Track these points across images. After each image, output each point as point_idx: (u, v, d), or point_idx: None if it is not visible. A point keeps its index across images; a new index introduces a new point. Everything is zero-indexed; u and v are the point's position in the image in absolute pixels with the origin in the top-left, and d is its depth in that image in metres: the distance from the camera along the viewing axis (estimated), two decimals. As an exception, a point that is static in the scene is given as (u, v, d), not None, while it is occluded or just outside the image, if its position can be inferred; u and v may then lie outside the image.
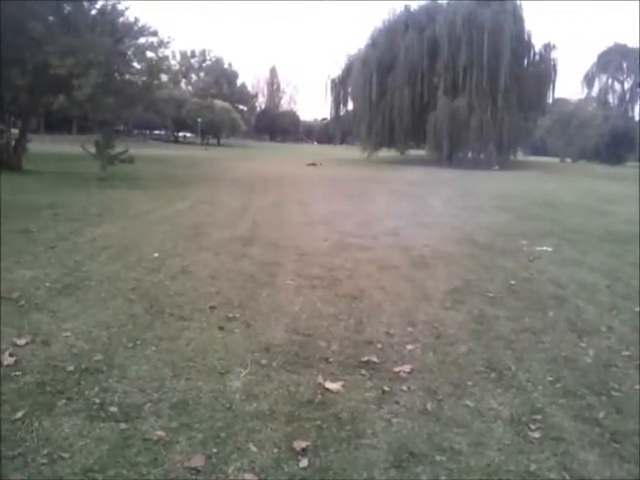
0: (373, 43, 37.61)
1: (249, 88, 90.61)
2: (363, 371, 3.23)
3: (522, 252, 7.32)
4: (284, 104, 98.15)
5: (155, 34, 22.14)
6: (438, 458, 2.38)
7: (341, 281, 5.36)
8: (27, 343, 3.41)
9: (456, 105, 33.00)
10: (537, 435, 2.60)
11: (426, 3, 38.14)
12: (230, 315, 4.10)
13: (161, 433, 2.46)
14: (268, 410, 2.72)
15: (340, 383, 3.02)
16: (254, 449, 2.39)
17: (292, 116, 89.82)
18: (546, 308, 4.73)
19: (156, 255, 6.09)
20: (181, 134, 75.12)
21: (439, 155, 35.17)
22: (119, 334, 3.64)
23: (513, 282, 5.57)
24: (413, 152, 42.20)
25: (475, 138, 34.00)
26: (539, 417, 2.77)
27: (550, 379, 3.25)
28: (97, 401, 2.72)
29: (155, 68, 22.26)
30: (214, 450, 2.36)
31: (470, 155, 37.64)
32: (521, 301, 4.93)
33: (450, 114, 32.80)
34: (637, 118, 60.64)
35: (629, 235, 9.16)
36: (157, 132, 75.28)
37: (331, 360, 3.37)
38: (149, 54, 22.35)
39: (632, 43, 60.74)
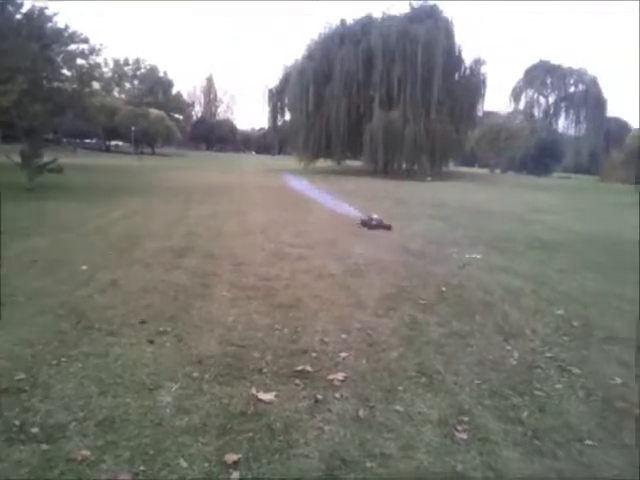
0: (310, 55, 38.00)
1: (185, 97, 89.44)
2: (297, 380, 3.23)
3: (452, 259, 7.55)
4: (221, 113, 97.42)
5: (86, 41, 21.58)
6: (369, 464, 2.42)
7: (277, 291, 5.36)
8: (-59, 364, 3.22)
9: (391, 117, 33.75)
10: (464, 436, 2.69)
11: (361, 18, 38.93)
12: (161, 329, 4.00)
13: (86, 452, 2.37)
14: (199, 424, 2.68)
15: (273, 393, 3.01)
16: (184, 464, 2.34)
17: (229, 125, 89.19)
18: (474, 313, 4.90)
19: (85, 268, 5.87)
20: (113, 143, 73.02)
21: (375, 166, 35.82)
22: (44, 352, 3.48)
23: (444, 289, 5.74)
24: (350, 163, 42.78)
25: (409, 149, 34.85)
26: (466, 419, 2.86)
27: (477, 381, 3.37)
28: (17, 422, 2.60)
29: (86, 75, 21.67)
30: (142, 467, 2.30)
31: (404, 166, 38.55)
32: (451, 307, 5.08)
33: (385, 126, 33.51)
34: (561, 131, 64.00)
35: (555, 242, 9.64)
36: (88, 141, 72.85)
37: (265, 371, 3.35)
38: (80, 61, 21.72)
39: (556, 60, 64.38)
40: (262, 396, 2.96)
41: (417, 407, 2.97)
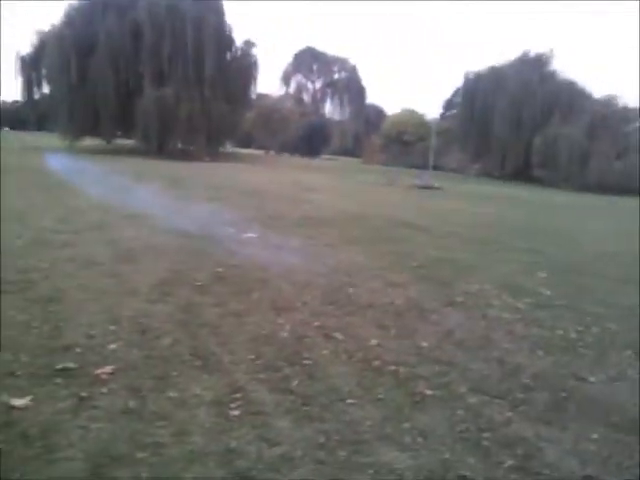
0: (69, 22, 34.33)
1: None
2: (58, 380, 2.95)
3: (229, 240, 7.63)
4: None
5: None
6: (140, 455, 2.32)
7: (35, 283, 4.81)
8: None
9: (163, 94, 32.55)
10: (237, 413, 2.74)
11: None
12: None
13: None
14: None
15: (29, 398, 2.70)
16: None
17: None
18: (251, 291, 5.02)
19: None
20: None
21: (148, 145, 34.28)
22: None
23: (220, 269, 5.77)
24: (121, 142, 40.27)
25: (184, 129, 34.16)
26: (239, 395, 2.92)
27: (251, 357, 3.46)
28: None
29: None
30: None
31: (180, 146, 37.68)
32: (228, 287, 5.14)
33: (157, 103, 32.22)
34: (328, 116, 68.76)
35: (323, 220, 10.34)
36: None
37: (19, 373, 2.99)
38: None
39: (321, 47, 68.62)
40: (14, 402, 2.64)
41: (192, 391, 2.93)
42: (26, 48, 36.01)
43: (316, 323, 4.23)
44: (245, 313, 4.36)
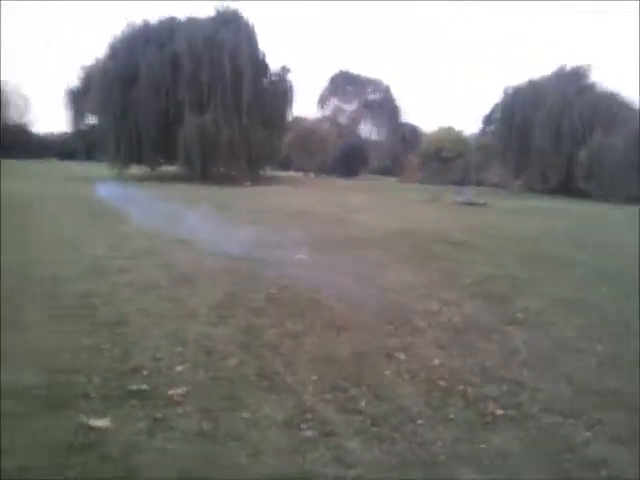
0: (113, 54, 35.79)
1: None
2: (132, 401, 3.01)
3: (279, 261, 7.68)
4: (13, 117, 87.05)
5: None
6: (219, 477, 2.34)
7: (97, 308, 4.94)
8: None
9: (203, 121, 33.33)
10: (309, 434, 2.73)
11: (165, 19, 37.82)
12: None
13: None
14: (17, 467, 2.35)
15: (107, 419, 2.77)
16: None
17: (22, 129, 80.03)
18: (305, 312, 5.03)
19: None
20: None
21: (191, 171, 35.07)
22: None
23: (273, 291, 5.81)
24: (165, 168, 41.28)
25: (225, 154, 34.80)
26: (309, 416, 2.92)
27: (314, 377, 3.46)
28: None
29: None
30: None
31: (222, 171, 38.38)
32: (282, 308, 5.17)
33: (198, 130, 32.99)
34: (364, 136, 69.08)
35: (370, 240, 10.31)
36: None
37: (93, 395, 3.07)
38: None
39: (355, 70, 69.34)
40: (94, 423, 2.70)
41: (261, 412, 2.95)
42: (74, 82, 37.78)
43: (375, 343, 4.20)
44: (303, 334, 4.37)
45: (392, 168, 63.64)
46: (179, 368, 3.52)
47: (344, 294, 5.78)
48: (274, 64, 39.70)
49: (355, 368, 3.66)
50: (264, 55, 38.34)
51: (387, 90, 70.05)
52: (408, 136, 67.07)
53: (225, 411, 2.94)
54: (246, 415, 2.90)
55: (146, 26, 37.27)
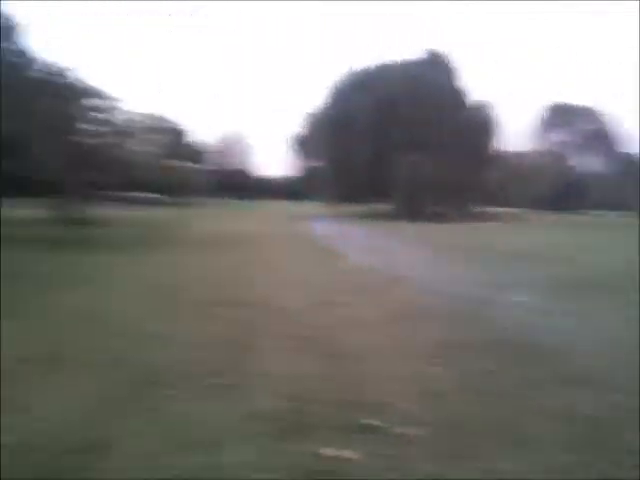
0: (333, 102, 38.77)
1: (202, 146, 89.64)
2: (366, 435, 3.05)
3: (503, 304, 7.32)
4: (240, 162, 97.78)
5: (109, 97, 22.51)
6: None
7: (318, 340, 5.17)
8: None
9: (416, 160, 33.97)
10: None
11: (380, 64, 39.83)
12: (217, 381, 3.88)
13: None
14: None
15: (352, 450, 2.83)
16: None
17: (251, 173, 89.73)
18: (533, 359, 4.68)
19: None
20: (134, 194, 72.40)
21: (401, 209, 35.79)
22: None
23: (493, 335, 5.53)
24: (374, 206, 42.75)
25: (434, 191, 34.94)
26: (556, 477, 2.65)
27: (558, 434, 3.15)
28: None
29: (116, 128, 22.52)
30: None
31: (435, 208, 38.49)
32: (506, 352, 4.87)
33: (411, 169, 33.72)
34: (580, 169, 63.33)
35: (605, 283, 9.25)
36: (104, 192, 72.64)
37: (329, 426, 3.18)
38: (106, 115, 22.67)
39: (573, 101, 64.56)
40: (342, 454, 2.79)
41: (498, 464, 2.76)
42: (297, 128, 42.10)
43: (631, 403, 3.65)
44: (536, 385, 4.02)
45: (616, 201, 57.00)
46: (406, 405, 3.49)
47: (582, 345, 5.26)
48: (479, 99, 39.24)
49: (604, 430, 3.24)
50: (470, 92, 38.11)
51: (604, 118, 63.57)
52: (630, 166, 59.57)
53: (459, 459, 2.81)
54: (480, 465, 2.74)
55: (363, 71, 39.73)
